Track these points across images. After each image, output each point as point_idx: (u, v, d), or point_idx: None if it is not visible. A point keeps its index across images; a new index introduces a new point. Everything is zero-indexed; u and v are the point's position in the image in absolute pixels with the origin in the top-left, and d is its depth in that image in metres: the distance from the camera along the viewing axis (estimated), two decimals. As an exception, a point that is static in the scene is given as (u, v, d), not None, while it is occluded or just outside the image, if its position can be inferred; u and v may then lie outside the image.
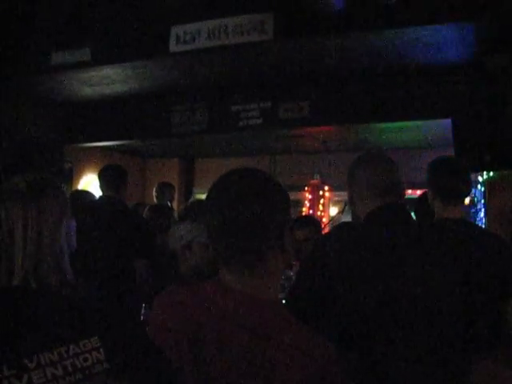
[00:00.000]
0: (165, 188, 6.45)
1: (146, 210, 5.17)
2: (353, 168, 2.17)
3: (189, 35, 5.19)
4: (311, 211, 8.49)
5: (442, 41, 4.81)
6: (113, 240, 4.26)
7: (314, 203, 8.62)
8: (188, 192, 10.12)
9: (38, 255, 1.39)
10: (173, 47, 5.28)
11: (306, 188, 8.80)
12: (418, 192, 4.33)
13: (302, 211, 8.38)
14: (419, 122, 6.26)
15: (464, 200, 2.84)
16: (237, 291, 1.37)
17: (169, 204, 6.30)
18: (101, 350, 0.70)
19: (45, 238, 1.42)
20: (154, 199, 6.35)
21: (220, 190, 1.43)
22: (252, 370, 1.25)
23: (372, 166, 2.10)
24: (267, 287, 1.39)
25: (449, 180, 2.68)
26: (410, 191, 7.49)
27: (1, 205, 1.37)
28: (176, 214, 5.66)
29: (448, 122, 5.67)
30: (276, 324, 1.33)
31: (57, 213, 1.49)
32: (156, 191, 6.38)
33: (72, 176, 8.12)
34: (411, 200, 3.79)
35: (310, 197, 8.74)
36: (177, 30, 5.25)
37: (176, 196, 7.32)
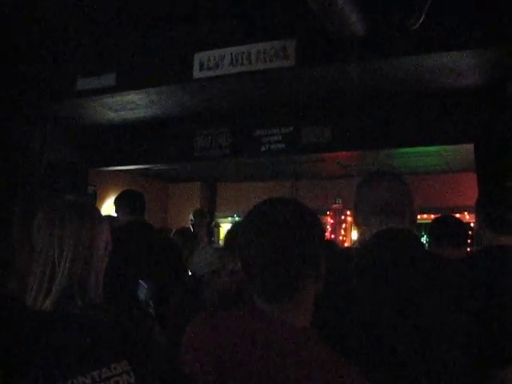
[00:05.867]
0: (203, 215, 6.50)
1: (173, 234, 5.19)
2: (357, 187, 2.05)
3: (212, 61, 5.26)
4: (333, 236, 8.48)
5: (464, 67, 4.81)
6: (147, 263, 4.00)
7: (336, 228, 8.62)
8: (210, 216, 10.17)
9: (84, 274, 1.38)
10: (196, 73, 5.34)
11: (328, 212, 8.81)
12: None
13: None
14: (441, 147, 6.25)
15: None
16: (271, 318, 1.37)
17: (191, 228, 6.33)
18: (131, 373, 0.72)
19: (93, 260, 1.42)
20: (189, 223, 6.39)
21: (255, 222, 1.43)
22: None
23: (373, 183, 1.98)
24: (301, 314, 1.40)
25: (498, 209, 2.57)
26: (432, 216, 7.46)
27: (58, 222, 1.38)
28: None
29: (468, 146, 5.65)
30: (309, 351, 1.32)
31: (106, 237, 1.50)
32: (194, 216, 6.41)
33: (96, 199, 8.21)
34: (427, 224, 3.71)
35: (332, 221, 8.75)
36: (200, 57, 5.33)
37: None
